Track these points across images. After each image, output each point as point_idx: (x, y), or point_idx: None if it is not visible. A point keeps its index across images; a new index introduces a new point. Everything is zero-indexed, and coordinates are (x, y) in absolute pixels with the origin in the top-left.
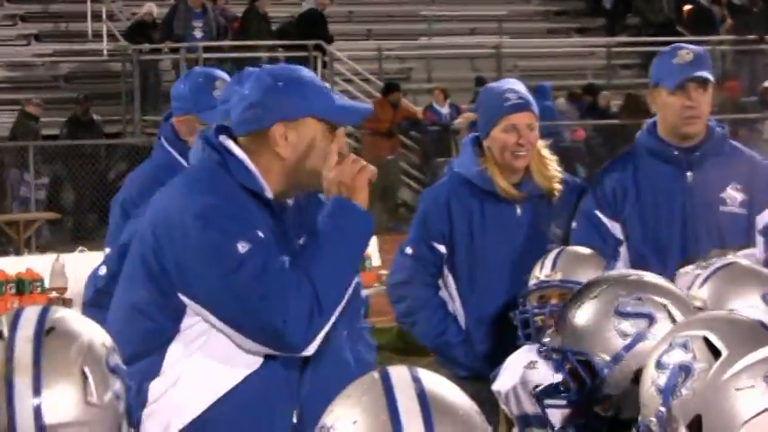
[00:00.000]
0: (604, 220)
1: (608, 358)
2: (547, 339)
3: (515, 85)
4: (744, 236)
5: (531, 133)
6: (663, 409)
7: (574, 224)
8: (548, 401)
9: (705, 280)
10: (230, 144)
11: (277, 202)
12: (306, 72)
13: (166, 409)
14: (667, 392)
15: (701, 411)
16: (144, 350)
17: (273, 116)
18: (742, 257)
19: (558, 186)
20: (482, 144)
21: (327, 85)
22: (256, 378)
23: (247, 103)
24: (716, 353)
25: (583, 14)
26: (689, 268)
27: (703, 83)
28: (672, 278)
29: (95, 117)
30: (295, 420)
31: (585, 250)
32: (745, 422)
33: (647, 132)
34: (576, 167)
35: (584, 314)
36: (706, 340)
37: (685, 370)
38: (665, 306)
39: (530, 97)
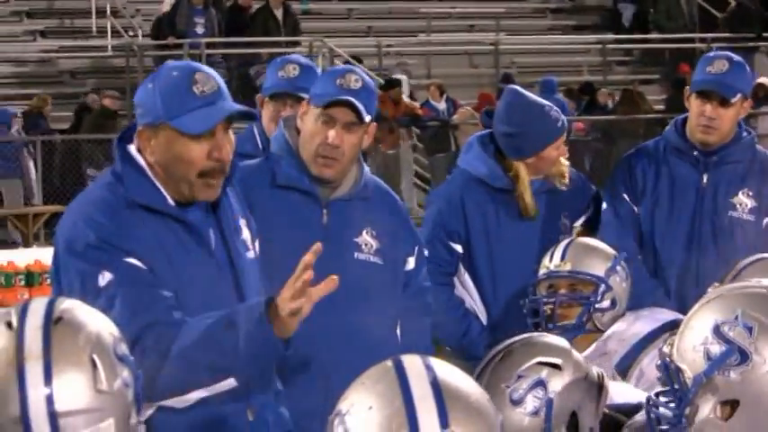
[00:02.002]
0: (631, 204)
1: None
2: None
3: (548, 102)
4: (750, 242)
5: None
6: (704, 376)
7: (604, 205)
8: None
9: (738, 273)
10: (132, 151)
11: (190, 205)
12: (182, 70)
13: None
14: (715, 366)
15: (741, 399)
16: None
17: (139, 119)
18: None
19: (566, 181)
20: (493, 144)
21: (208, 85)
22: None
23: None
24: None
25: (579, 11)
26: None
27: (725, 99)
28: (671, 274)
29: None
30: (251, 419)
31: (594, 242)
32: None
33: (673, 128)
34: (583, 159)
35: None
36: None
37: (743, 356)
38: None
39: None
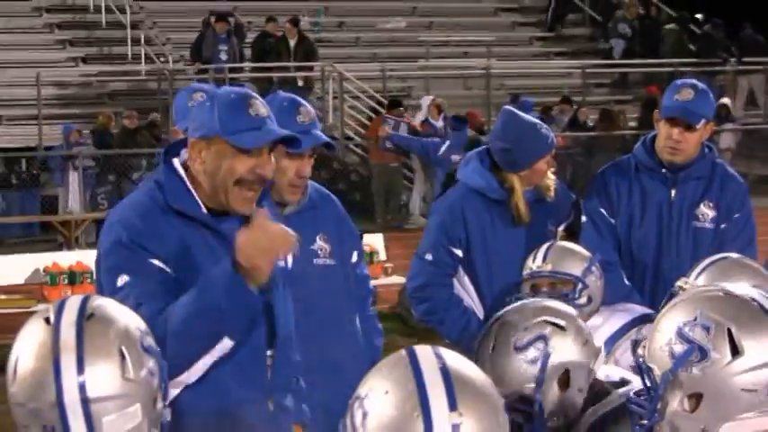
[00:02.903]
0: (607, 216)
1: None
2: None
3: (539, 121)
4: (710, 249)
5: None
6: (670, 373)
7: (583, 219)
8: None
9: (701, 271)
10: (175, 163)
11: (223, 214)
12: (240, 93)
13: None
14: (679, 363)
15: (704, 392)
16: None
17: (193, 132)
18: None
19: (552, 192)
20: (489, 159)
21: (262, 110)
22: (209, 375)
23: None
24: (734, 350)
25: (561, 40)
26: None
27: (689, 124)
28: (644, 276)
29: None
30: (271, 408)
31: (572, 245)
32: (739, 418)
33: (642, 147)
34: (565, 171)
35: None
36: (729, 334)
37: (702, 353)
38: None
39: None
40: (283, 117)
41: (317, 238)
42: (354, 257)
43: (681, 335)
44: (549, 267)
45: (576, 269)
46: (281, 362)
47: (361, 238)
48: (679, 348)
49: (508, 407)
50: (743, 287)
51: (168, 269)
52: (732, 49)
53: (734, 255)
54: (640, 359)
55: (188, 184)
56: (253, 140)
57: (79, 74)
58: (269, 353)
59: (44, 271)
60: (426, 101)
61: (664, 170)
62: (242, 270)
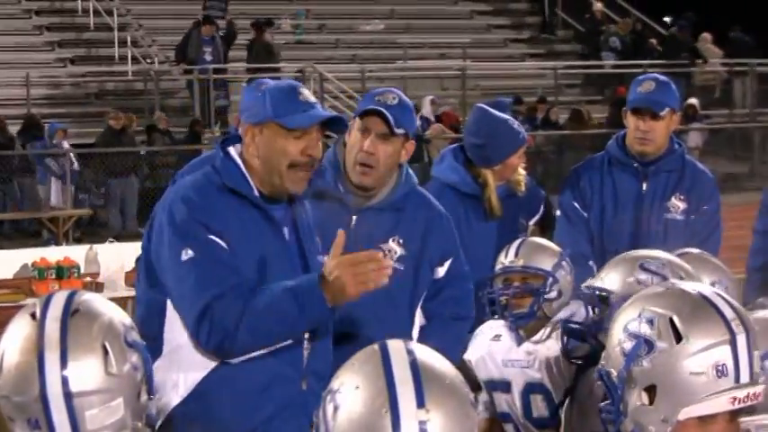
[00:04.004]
0: (580, 210)
1: (620, 296)
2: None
3: (511, 118)
4: (681, 239)
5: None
6: (624, 371)
7: (557, 213)
8: (569, 326)
9: None
10: (230, 148)
11: (273, 201)
12: (289, 84)
13: (166, 387)
14: (630, 360)
15: (657, 383)
16: (150, 332)
17: (247, 119)
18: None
19: (522, 187)
20: (463, 155)
21: (310, 97)
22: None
23: (239, 110)
24: (678, 336)
25: (535, 42)
26: None
27: (655, 113)
28: None
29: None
30: (304, 387)
31: (543, 241)
32: (693, 401)
33: (615, 143)
34: (536, 168)
35: (618, 263)
36: (671, 322)
37: (649, 345)
38: (680, 276)
39: None
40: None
41: (390, 240)
42: (440, 273)
43: (627, 332)
44: (520, 263)
45: (546, 264)
46: (317, 348)
47: None
48: (628, 345)
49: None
50: (692, 283)
51: (225, 246)
52: (698, 50)
53: (694, 250)
54: (600, 367)
55: (243, 168)
56: (302, 120)
57: (67, 74)
58: (306, 336)
59: (32, 266)
60: (427, 100)
61: (636, 164)
62: (325, 289)
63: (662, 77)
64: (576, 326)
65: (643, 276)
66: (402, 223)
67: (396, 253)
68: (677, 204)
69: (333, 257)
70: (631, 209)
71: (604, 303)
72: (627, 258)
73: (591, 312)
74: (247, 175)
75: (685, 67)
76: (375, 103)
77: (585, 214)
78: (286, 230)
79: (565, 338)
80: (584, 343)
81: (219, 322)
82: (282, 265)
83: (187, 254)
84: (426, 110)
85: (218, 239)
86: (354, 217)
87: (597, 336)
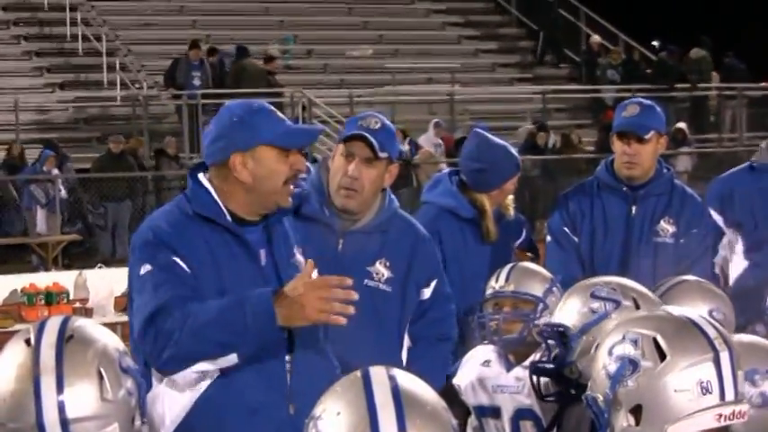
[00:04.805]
0: (570, 234)
1: (578, 329)
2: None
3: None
4: (671, 262)
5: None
6: (609, 393)
7: (548, 239)
8: (538, 366)
9: (661, 295)
10: (200, 176)
11: (244, 224)
12: (258, 105)
13: (154, 421)
14: (615, 381)
15: (643, 402)
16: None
17: (231, 147)
18: None
19: (511, 211)
20: (459, 180)
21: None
22: (228, 379)
23: (210, 139)
24: (662, 355)
25: (523, 66)
26: None
27: (640, 137)
28: None
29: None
30: (292, 412)
31: (534, 266)
32: (679, 419)
33: (604, 167)
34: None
35: (570, 295)
36: (655, 342)
37: (633, 365)
38: (633, 298)
39: None
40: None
41: (377, 262)
42: (426, 295)
43: (612, 354)
44: (511, 288)
45: (537, 290)
46: (300, 367)
47: None
48: (613, 367)
49: (546, 340)
50: (674, 307)
51: (187, 268)
52: (686, 75)
53: (691, 278)
54: (587, 396)
55: (214, 194)
56: (303, 138)
57: (56, 100)
58: (288, 358)
59: (21, 291)
60: (431, 123)
61: (624, 188)
62: (279, 305)
63: (645, 101)
64: (546, 365)
65: (595, 305)
66: (388, 245)
67: (383, 275)
68: (666, 228)
69: (299, 278)
70: (621, 233)
71: (564, 338)
72: (578, 289)
73: (551, 350)
74: (219, 200)
75: (679, 91)
76: (358, 128)
77: (576, 239)
78: (262, 252)
79: (535, 378)
80: (557, 381)
81: (163, 327)
82: (255, 286)
83: (145, 268)
84: (430, 133)
85: (180, 262)
86: (341, 240)
87: (562, 372)
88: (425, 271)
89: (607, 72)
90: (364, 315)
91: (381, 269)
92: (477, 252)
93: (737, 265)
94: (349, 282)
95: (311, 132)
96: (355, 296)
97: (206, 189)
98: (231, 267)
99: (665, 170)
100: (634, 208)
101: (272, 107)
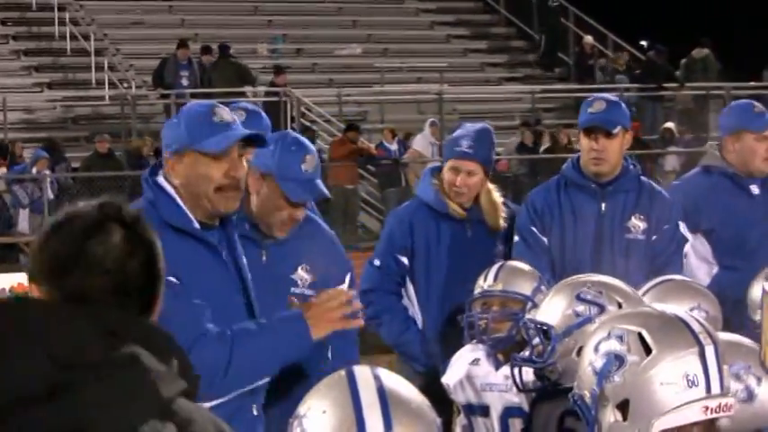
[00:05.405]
0: (538, 234)
1: (561, 331)
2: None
3: (472, 133)
4: (643, 258)
5: (468, 178)
6: (596, 388)
7: (516, 239)
8: (517, 360)
9: (645, 292)
10: (161, 181)
11: (207, 226)
12: (201, 107)
13: None
14: (602, 376)
15: (630, 397)
16: None
17: (167, 148)
18: None
19: (502, 221)
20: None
21: (226, 117)
22: None
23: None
24: (647, 349)
25: (511, 65)
26: None
27: (607, 131)
28: None
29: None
30: (255, 413)
31: (523, 265)
32: (666, 412)
33: (571, 165)
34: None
35: (556, 294)
36: (640, 337)
37: (619, 360)
38: (619, 303)
39: (480, 148)
40: (287, 159)
41: (299, 268)
42: (345, 285)
43: (598, 351)
44: (499, 287)
45: (525, 289)
46: None
47: None
48: (599, 363)
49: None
50: (658, 305)
51: (178, 282)
52: (675, 75)
53: (677, 277)
54: (573, 395)
55: (177, 199)
56: (216, 143)
57: (45, 99)
58: None
59: (10, 291)
60: (426, 123)
61: (593, 185)
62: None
63: (610, 97)
64: (526, 361)
65: (580, 308)
66: (304, 250)
67: (306, 280)
68: (637, 224)
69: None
70: (591, 230)
71: (546, 337)
72: (564, 288)
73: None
74: (183, 205)
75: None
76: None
77: (545, 238)
78: (224, 254)
79: (516, 371)
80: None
81: (204, 363)
82: (227, 290)
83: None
84: (426, 132)
85: (171, 278)
86: (264, 251)
87: (544, 371)
88: (341, 267)
89: (616, 78)
90: None
91: (303, 274)
92: (450, 248)
93: (706, 270)
94: (335, 293)
95: (229, 138)
96: (351, 294)
97: (170, 195)
98: (204, 273)
99: (631, 167)
100: (603, 205)
101: (224, 110)
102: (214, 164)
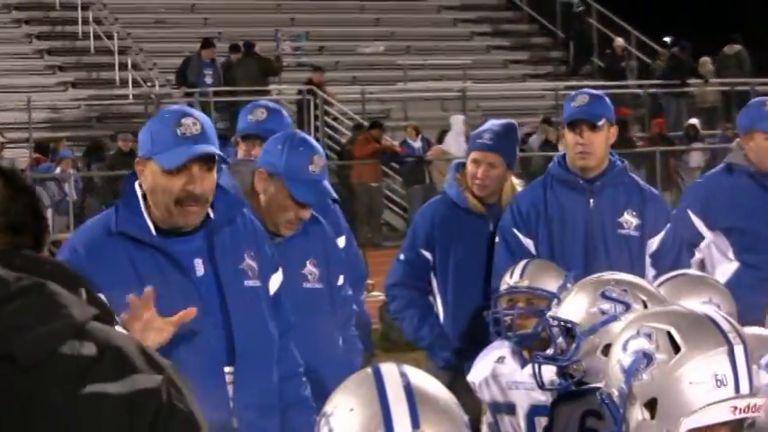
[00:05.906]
0: (520, 236)
1: (585, 328)
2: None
3: (495, 127)
4: (637, 255)
5: (489, 170)
6: (624, 386)
7: (497, 239)
8: (539, 358)
9: (659, 286)
10: (135, 185)
11: (172, 234)
12: (170, 115)
13: None
14: (630, 374)
15: (658, 395)
16: None
17: (138, 152)
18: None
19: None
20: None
21: (191, 130)
22: None
23: None
24: (676, 348)
25: (534, 62)
26: None
27: (592, 124)
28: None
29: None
30: (236, 426)
31: (548, 262)
32: (694, 411)
33: (557, 163)
34: None
35: (580, 291)
36: (669, 335)
37: (648, 358)
38: (643, 301)
39: (501, 141)
40: (295, 160)
41: (308, 263)
42: (340, 280)
43: (626, 349)
44: (526, 283)
45: (552, 285)
46: (243, 379)
47: None
48: (627, 361)
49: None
50: (690, 303)
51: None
52: (698, 71)
53: (690, 271)
54: (601, 393)
55: (142, 206)
56: (168, 161)
57: (69, 98)
58: (228, 369)
59: None
60: (459, 120)
61: (581, 181)
62: None
63: (594, 91)
64: (549, 359)
65: (606, 306)
66: (310, 245)
67: (315, 275)
68: (630, 220)
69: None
70: (581, 227)
71: (570, 335)
72: (588, 286)
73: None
74: (146, 214)
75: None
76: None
77: (530, 240)
78: (198, 262)
79: (536, 368)
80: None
81: None
82: (187, 299)
83: None
84: (458, 129)
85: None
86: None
87: (567, 369)
88: (339, 261)
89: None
90: (299, 310)
91: (312, 269)
92: (472, 244)
93: (727, 267)
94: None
95: (182, 155)
96: (150, 293)
97: (137, 200)
98: (158, 284)
99: (618, 162)
100: (592, 201)
101: (191, 120)
102: (171, 177)
